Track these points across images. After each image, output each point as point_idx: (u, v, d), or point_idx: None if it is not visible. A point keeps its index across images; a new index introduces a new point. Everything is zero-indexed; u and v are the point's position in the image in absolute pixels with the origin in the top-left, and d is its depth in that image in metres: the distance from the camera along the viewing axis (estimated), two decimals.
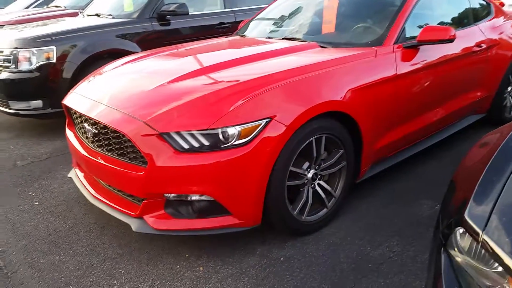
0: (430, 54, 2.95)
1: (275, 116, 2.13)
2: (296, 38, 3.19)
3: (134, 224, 2.24)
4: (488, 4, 3.91)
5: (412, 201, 2.82)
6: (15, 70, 4.11)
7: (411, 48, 2.86)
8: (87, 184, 2.64)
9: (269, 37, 3.40)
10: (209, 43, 3.46)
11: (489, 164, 1.48)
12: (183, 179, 2.09)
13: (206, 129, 2.06)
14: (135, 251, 2.39)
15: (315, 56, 2.68)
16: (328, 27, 3.20)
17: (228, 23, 5.31)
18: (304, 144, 2.26)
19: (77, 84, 2.92)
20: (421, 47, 2.89)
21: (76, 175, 2.79)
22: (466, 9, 3.62)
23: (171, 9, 4.72)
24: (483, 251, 1.21)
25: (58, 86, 4.13)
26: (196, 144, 2.08)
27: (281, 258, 2.30)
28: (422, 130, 3.10)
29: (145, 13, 4.77)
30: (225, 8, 5.42)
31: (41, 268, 2.28)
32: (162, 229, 2.20)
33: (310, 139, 2.30)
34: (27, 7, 8.47)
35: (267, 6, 3.98)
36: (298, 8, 3.64)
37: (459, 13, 3.56)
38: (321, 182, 2.49)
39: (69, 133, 2.78)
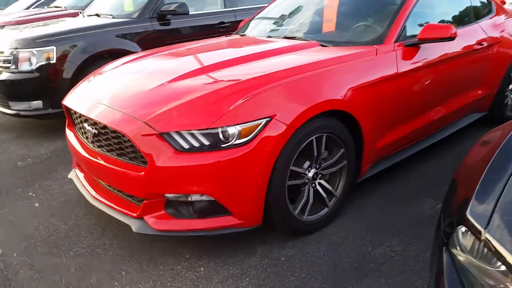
0: (431, 52, 2.94)
1: (276, 115, 2.12)
2: (297, 37, 3.18)
3: (134, 225, 2.23)
4: (489, 2, 3.90)
5: (414, 200, 2.80)
6: (16, 70, 4.10)
7: (412, 46, 2.84)
8: (87, 185, 2.63)
9: (269, 36, 3.39)
10: (209, 43, 3.45)
11: (490, 162, 1.47)
12: (183, 179, 2.09)
13: (206, 129, 2.05)
14: (136, 252, 2.38)
15: (315, 55, 2.67)
16: (329, 25, 3.19)
17: (228, 22, 5.30)
18: (304, 143, 2.25)
19: (77, 84, 2.91)
20: (422, 46, 2.88)
21: (76, 176, 2.79)
22: (467, 7, 3.61)
23: (171, 8, 4.72)
24: (485, 249, 1.20)
25: (58, 86, 4.12)
26: (196, 144, 2.07)
27: (282, 258, 2.29)
28: (423, 128, 3.08)
29: (145, 13, 4.77)
30: (225, 8, 5.41)
31: (41, 269, 2.27)
32: (163, 229, 2.19)
33: (311, 138, 2.29)
34: (28, 8, 8.48)
35: (267, 5, 3.97)
36: (298, 7, 3.63)
37: (460, 11, 3.54)
38: (322, 182, 2.48)
39: (69, 134, 2.77)
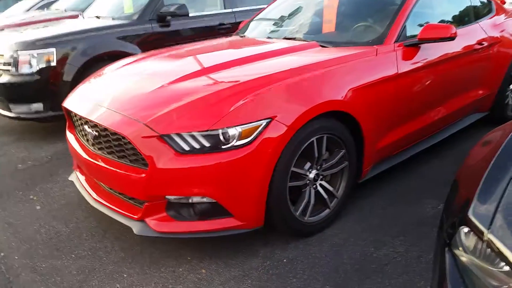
0: (431, 52, 2.94)
1: (276, 116, 2.11)
2: (296, 38, 3.18)
3: (135, 227, 2.23)
4: (489, 2, 3.89)
5: (415, 201, 2.80)
6: (16, 73, 4.10)
7: (412, 46, 2.84)
8: (88, 187, 2.63)
9: (269, 37, 3.39)
10: (209, 44, 3.45)
11: (492, 162, 1.46)
12: (184, 181, 2.08)
13: (207, 130, 2.04)
14: (137, 254, 2.38)
15: (315, 56, 2.66)
16: (328, 26, 3.19)
17: (228, 23, 5.30)
18: (305, 145, 2.25)
19: (77, 87, 2.91)
20: (422, 46, 2.88)
21: (77, 178, 2.78)
22: (467, 7, 3.60)
23: (171, 10, 4.71)
24: (488, 250, 1.20)
25: (59, 89, 4.12)
26: (197, 146, 2.07)
27: (284, 260, 2.28)
28: (424, 129, 3.08)
29: (145, 15, 4.77)
30: (225, 9, 5.40)
31: (43, 272, 2.26)
32: (164, 231, 2.19)
33: (312, 139, 2.28)
34: (28, 10, 8.49)
35: (267, 6, 3.97)
36: (298, 8, 3.63)
37: (460, 11, 3.54)
38: (323, 183, 2.48)
39: (69, 136, 2.77)
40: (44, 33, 4.38)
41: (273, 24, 3.66)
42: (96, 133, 2.39)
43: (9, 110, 4.22)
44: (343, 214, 2.64)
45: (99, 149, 2.41)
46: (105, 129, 2.32)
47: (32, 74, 4.08)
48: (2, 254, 2.44)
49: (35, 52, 4.08)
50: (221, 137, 2.05)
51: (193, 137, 2.06)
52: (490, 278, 1.19)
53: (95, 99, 2.51)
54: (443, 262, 1.33)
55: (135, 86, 2.53)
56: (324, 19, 3.27)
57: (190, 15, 4.93)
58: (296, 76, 2.35)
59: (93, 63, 4.26)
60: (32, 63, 4.08)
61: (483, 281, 1.20)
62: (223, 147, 2.06)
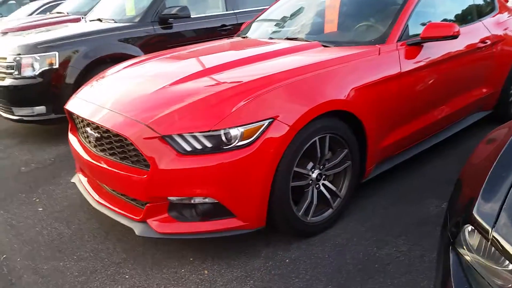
0: (434, 51, 2.92)
1: (278, 116, 2.10)
2: (298, 38, 3.17)
3: (137, 228, 2.22)
4: (492, 0, 3.87)
5: (418, 200, 2.78)
6: (18, 76, 4.12)
7: (414, 45, 2.82)
8: (90, 189, 2.62)
9: (271, 38, 3.38)
10: (211, 45, 3.45)
11: (496, 160, 1.45)
12: (186, 182, 2.07)
13: (209, 131, 2.04)
14: (139, 255, 2.37)
15: (317, 56, 2.65)
16: (331, 26, 3.18)
17: (230, 25, 5.30)
18: (307, 144, 2.24)
19: (79, 89, 2.91)
20: (425, 44, 2.86)
21: (80, 180, 2.78)
22: (469, 5, 3.58)
23: (173, 12, 4.72)
24: (493, 249, 1.18)
25: (61, 91, 4.13)
26: (198, 146, 2.06)
27: (287, 260, 2.27)
28: (427, 128, 3.06)
29: (147, 17, 4.78)
30: (226, 10, 5.41)
31: (45, 274, 2.26)
32: (166, 232, 2.18)
33: (314, 139, 2.27)
34: (30, 14, 8.53)
35: (269, 7, 3.97)
36: (300, 8, 3.63)
37: (462, 10, 3.52)
38: (326, 182, 2.46)
39: (72, 138, 2.77)
40: (47, 37, 4.39)
41: (275, 25, 3.65)
42: (98, 135, 2.39)
43: (12, 113, 4.24)
44: (345, 214, 2.63)
45: (101, 150, 2.41)
46: (107, 131, 2.32)
47: (34, 77, 4.10)
48: (4, 256, 2.44)
49: (37, 55, 4.09)
50: (223, 138, 2.04)
51: (195, 137, 2.06)
52: (495, 277, 1.18)
53: (97, 101, 2.51)
54: (447, 261, 1.32)
55: (137, 87, 2.52)
56: (326, 19, 3.25)
57: (192, 16, 4.94)
58: (298, 76, 2.34)
59: (96, 66, 4.27)
60: (35, 66, 4.10)
61: (487, 280, 1.19)
62: (225, 147, 2.05)
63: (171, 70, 2.80)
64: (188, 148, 2.06)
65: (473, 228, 1.26)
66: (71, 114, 2.74)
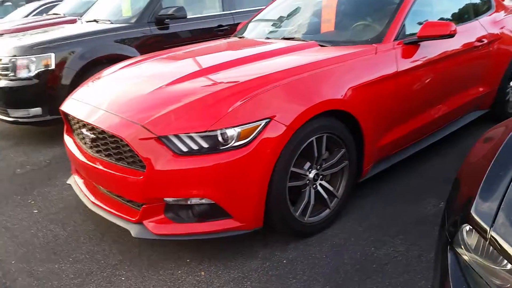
0: (431, 50, 2.92)
1: (275, 116, 2.09)
2: (295, 38, 3.16)
3: (133, 230, 2.21)
4: None
5: (416, 199, 2.77)
6: (14, 77, 4.09)
7: (411, 44, 2.82)
8: (86, 191, 2.60)
9: (267, 38, 3.37)
10: (207, 45, 3.43)
11: (494, 159, 1.44)
12: (182, 183, 2.06)
13: (205, 131, 2.02)
14: (136, 257, 2.36)
15: (314, 55, 2.64)
16: (327, 25, 3.17)
17: (226, 25, 5.29)
18: (305, 144, 2.23)
19: (74, 90, 2.89)
20: (422, 43, 2.85)
21: (75, 182, 2.76)
22: (466, 4, 3.58)
23: (169, 13, 4.71)
24: (491, 248, 1.17)
25: (57, 93, 4.11)
26: (195, 147, 2.04)
27: (284, 261, 2.25)
28: (425, 127, 3.05)
29: (143, 18, 4.76)
30: (223, 11, 5.40)
31: (40, 276, 2.24)
32: (162, 234, 2.16)
33: (311, 139, 2.26)
34: (27, 16, 8.50)
35: (265, 8, 3.96)
36: (297, 8, 3.62)
37: (459, 8, 3.52)
38: (323, 182, 2.45)
39: (67, 140, 2.75)
40: (42, 38, 4.37)
41: (272, 25, 3.64)
42: (94, 136, 2.37)
43: (8, 114, 4.21)
44: (343, 214, 2.62)
45: (97, 151, 2.39)
46: (103, 132, 2.30)
47: (30, 78, 4.07)
48: None
49: (33, 57, 4.07)
50: (220, 138, 2.03)
51: (191, 138, 2.04)
52: (493, 277, 1.17)
53: (92, 102, 2.49)
54: (445, 260, 1.31)
55: (133, 88, 2.51)
56: (323, 18, 3.25)
57: (189, 17, 4.93)
58: (295, 75, 2.33)
59: (92, 67, 4.25)
60: (30, 67, 4.07)
61: (486, 279, 1.18)
62: (221, 148, 2.03)
63: (167, 70, 2.78)
64: (185, 149, 2.04)
65: (471, 227, 1.26)
66: (66, 115, 2.72)
